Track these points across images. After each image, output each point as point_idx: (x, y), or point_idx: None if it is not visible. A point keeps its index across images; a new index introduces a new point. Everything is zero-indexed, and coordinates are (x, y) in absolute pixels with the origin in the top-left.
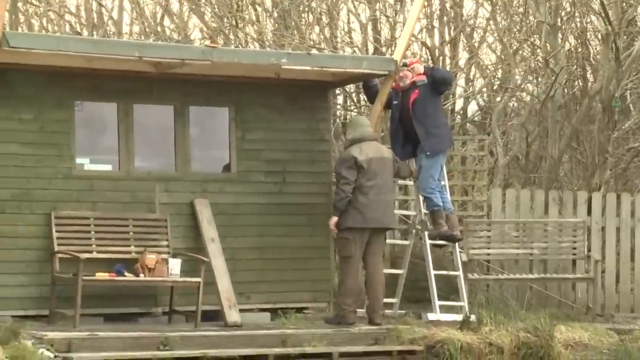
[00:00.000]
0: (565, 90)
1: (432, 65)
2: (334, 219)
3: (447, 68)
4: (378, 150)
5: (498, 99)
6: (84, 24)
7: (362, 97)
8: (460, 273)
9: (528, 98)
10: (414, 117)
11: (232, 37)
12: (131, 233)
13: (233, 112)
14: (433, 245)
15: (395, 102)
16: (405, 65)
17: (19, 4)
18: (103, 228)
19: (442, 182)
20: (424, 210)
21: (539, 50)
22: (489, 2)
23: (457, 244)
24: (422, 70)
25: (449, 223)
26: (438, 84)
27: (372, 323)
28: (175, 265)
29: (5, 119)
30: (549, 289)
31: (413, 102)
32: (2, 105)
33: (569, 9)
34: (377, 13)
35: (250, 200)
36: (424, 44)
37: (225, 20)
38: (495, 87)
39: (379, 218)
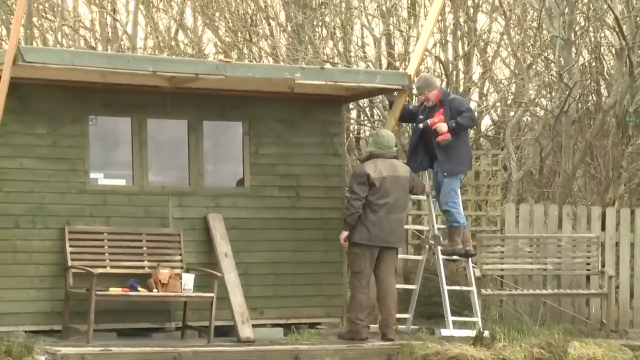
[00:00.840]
0: (579, 105)
1: (457, 104)
2: (344, 234)
3: (461, 82)
4: (393, 169)
5: (512, 113)
6: (98, 39)
7: (376, 111)
8: (473, 288)
9: (542, 113)
10: (434, 138)
11: (246, 51)
12: (144, 248)
13: (247, 126)
14: (446, 260)
15: (420, 116)
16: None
17: (34, 19)
18: (116, 243)
19: None
20: (437, 226)
21: (552, 65)
22: (503, 16)
23: (470, 259)
24: (445, 129)
25: (462, 238)
26: (463, 127)
27: (386, 338)
28: (188, 280)
29: (20, 134)
30: (563, 305)
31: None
32: (16, 120)
33: (582, 24)
34: (391, 27)
35: (264, 215)
36: (437, 58)
37: (239, 34)
38: (509, 102)
39: (384, 237)
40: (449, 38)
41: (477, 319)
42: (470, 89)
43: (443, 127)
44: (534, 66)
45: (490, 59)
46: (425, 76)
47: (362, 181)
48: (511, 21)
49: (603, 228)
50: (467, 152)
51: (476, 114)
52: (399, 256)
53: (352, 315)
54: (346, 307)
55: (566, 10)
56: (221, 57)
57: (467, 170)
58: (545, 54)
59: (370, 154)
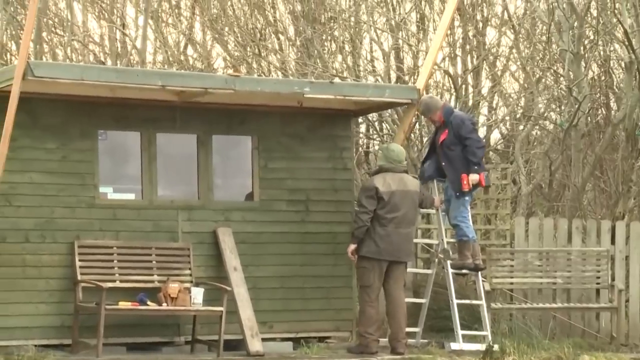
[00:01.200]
0: (589, 119)
1: (457, 125)
2: (352, 247)
3: (470, 96)
4: (403, 183)
5: (521, 127)
6: (107, 53)
7: (385, 125)
8: (483, 302)
9: (551, 126)
10: (443, 157)
11: (255, 65)
12: (154, 262)
13: (256, 140)
14: (456, 274)
15: (436, 133)
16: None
17: (44, 34)
18: (126, 257)
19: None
20: (446, 239)
21: (562, 79)
22: (512, 30)
23: (479, 273)
24: (476, 177)
25: (471, 252)
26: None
27: (395, 352)
28: (197, 294)
29: (29, 148)
30: (573, 319)
31: (442, 143)
32: (26, 135)
33: (592, 37)
34: (400, 42)
35: (273, 229)
36: (446, 72)
37: (248, 49)
38: (518, 116)
39: (392, 252)
40: (458, 52)
41: (487, 332)
42: (479, 102)
43: (474, 178)
44: (543, 80)
45: (499, 72)
46: (425, 100)
47: (370, 195)
48: (520, 35)
49: (613, 242)
50: (482, 166)
51: (485, 128)
52: (408, 270)
53: (361, 329)
54: (355, 320)
55: (575, 24)
56: (230, 71)
57: (476, 190)
58: (555, 68)
59: (380, 167)
